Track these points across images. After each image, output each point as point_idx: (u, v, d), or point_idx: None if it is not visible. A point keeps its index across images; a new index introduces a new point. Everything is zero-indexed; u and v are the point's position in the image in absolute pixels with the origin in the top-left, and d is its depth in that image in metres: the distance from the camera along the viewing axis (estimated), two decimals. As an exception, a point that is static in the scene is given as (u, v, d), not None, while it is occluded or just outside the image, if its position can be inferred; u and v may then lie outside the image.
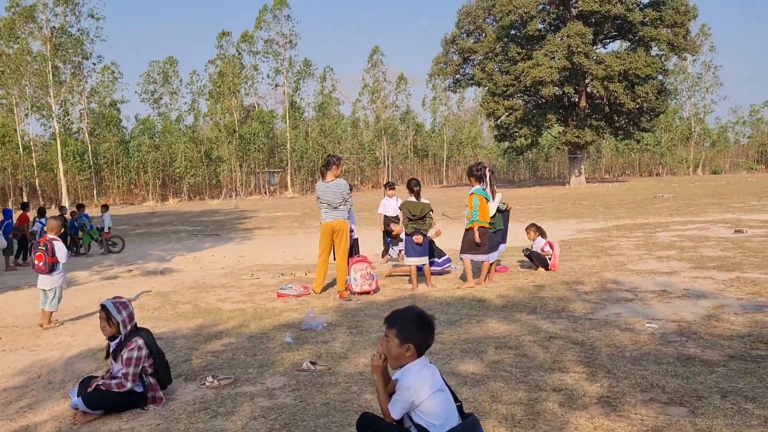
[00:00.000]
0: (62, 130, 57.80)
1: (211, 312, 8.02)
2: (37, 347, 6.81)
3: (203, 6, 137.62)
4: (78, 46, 55.34)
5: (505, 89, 44.44)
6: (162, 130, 62.61)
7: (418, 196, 8.89)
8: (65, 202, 52.35)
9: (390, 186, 12.23)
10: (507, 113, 45.79)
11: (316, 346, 6.00)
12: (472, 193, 8.77)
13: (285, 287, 9.07)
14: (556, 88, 44.45)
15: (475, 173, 8.86)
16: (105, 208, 18.51)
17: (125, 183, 60.33)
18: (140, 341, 4.55)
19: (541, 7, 45.03)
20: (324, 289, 9.11)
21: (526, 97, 47.27)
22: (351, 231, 9.67)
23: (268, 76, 79.19)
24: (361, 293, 8.67)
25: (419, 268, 9.10)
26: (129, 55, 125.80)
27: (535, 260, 10.06)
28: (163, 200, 57.96)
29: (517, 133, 46.58)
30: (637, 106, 41.54)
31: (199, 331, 6.94)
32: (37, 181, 56.60)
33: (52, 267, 7.69)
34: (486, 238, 8.75)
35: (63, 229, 8.63)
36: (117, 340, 4.64)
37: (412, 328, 3.08)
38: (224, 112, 62.73)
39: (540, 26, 45.80)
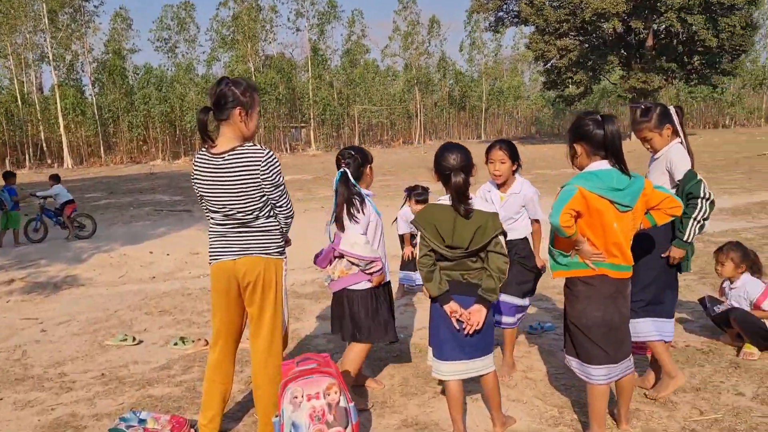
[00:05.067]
0: (63, 80, 52.93)
1: None
2: None
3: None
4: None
5: (558, 26, 37.41)
6: (171, 80, 57.03)
7: (458, 196, 3.16)
8: (68, 161, 47.88)
9: (418, 194, 6.17)
10: (559, 55, 38.82)
11: None
12: (564, 186, 3.11)
13: (127, 420, 3.56)
14: (621, 23, 37.19)
15: (582, 131, 3.11)
16: (55, 179, 13.34)
17: (134, 139, 55.30)
18: None
19: None
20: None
21: (581, 36, 40.10)
22: (373, 269, 3.98)
23: (288, 20, 72.93)
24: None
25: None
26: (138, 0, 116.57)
27: (739, 329, 4.37)
28: (175, 158, 52.96)
29: (570, 79, 39.60)
30: (720, 43, 34.20)
31: None
32: (43, 136, 51.93)
33: None
34: (610, 307, 3.13)
35: None
36: None
37: None
38: (239, 60, 56.70)
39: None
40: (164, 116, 54.18)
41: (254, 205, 3.28)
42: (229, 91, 3.27)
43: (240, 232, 3.33)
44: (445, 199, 3.19)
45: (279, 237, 3.43)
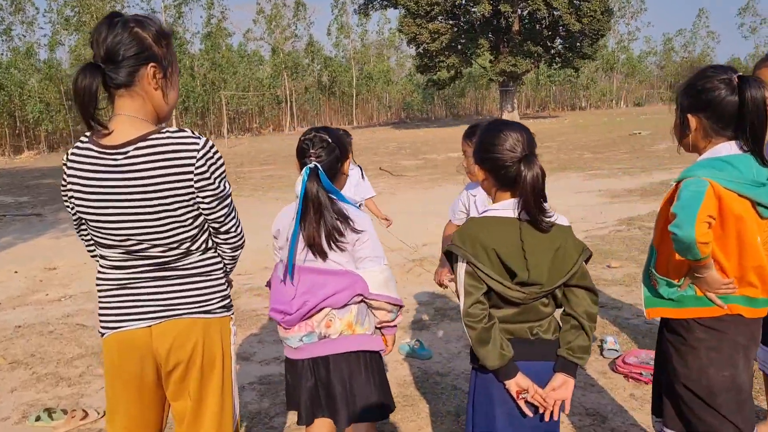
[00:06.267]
0: None
1: None
2: None
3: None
4: None
5: (428, 9, 37.12)
6: (7, 66, 50.74)
7: (536, 199, 1.94)
8: None
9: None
10: (431, 38, 38.56)
11: None
12: (684, 179, 2.01)
13: None
14: (490, 6, 37.46)
15: (708, 96, 2.04)
16: None
17: (-35, 133, 48.64)
18: None
19: None
20: None
21: (451, 19, 40.16)
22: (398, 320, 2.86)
23: None
24: None
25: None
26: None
27: None
28: (17, 153, 47.34)
29: (443, 63, 39.56)
30: (582, 27, 35.57)
31: None
32: None
33: None
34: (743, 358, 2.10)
35: None
36: None
37: None
38: (87, 43, 51.59)
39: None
40: (1, 106, 48.32)
41: (183, 232, 1.91)
42: (133, 35, 1.87)
43: (158, 278, 1.93)
44: (504, 209, 2.01)
45: (222, 280, 2.08)
